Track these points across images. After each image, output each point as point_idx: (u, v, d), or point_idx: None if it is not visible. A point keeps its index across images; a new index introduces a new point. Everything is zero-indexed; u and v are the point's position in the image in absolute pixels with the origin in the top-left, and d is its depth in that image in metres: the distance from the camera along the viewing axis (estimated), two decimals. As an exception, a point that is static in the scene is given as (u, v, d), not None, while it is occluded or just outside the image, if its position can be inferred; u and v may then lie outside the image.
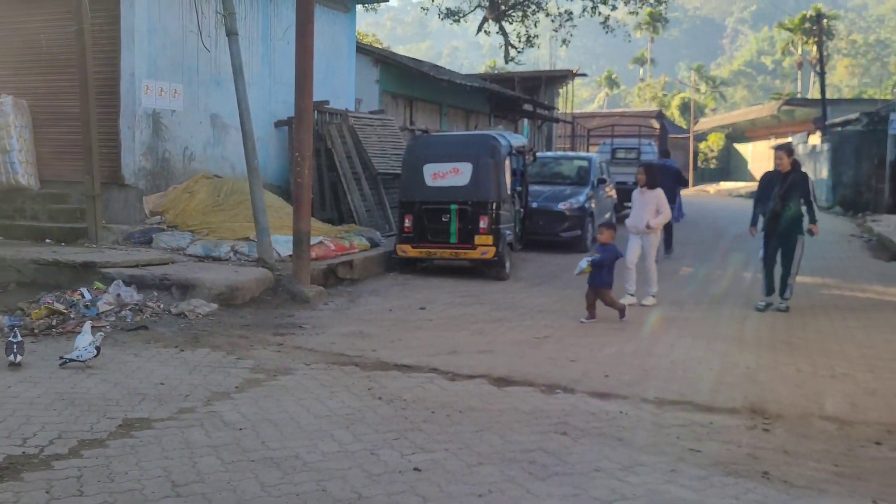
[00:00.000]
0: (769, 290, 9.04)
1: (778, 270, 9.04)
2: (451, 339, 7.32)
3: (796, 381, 6.11)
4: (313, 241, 9.75)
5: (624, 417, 5.17)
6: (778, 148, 9.44)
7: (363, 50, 18.19)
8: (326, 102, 13.67)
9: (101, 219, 10.54)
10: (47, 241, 10.68)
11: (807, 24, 58.20)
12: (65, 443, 4.38)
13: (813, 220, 8.94)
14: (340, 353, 6.76)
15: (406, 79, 19.56)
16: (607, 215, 16.39)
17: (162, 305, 8.07)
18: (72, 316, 7.53)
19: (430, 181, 10.98)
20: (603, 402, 5.51)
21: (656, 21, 52.27)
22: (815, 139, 31.71)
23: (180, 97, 11.74)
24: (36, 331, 7.12)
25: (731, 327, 8.10)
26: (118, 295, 8.06)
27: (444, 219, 10.82)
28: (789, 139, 37.55)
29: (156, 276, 8.54)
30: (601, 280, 8.27)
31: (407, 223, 11.06)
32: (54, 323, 7.34)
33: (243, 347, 6.83)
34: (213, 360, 6.38)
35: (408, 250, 11.09)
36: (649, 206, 9.31)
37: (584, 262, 8.28)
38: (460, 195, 10.75)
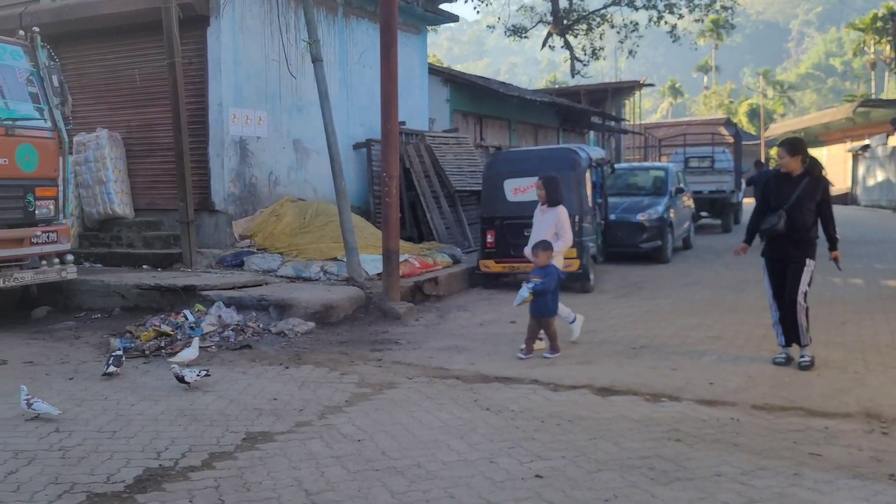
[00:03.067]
0: (787, 340, 6.76)
1: None
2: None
3: (909, 384, 5.97)
4: (400, 258, 9.91)
5: (736, 424, 5.14)
6: (781, 144, 6.86)
7: (434, 70, 18.45)
8: (403, 123, 13.92)
9: (195, 244, 10.90)
10: (144, 266, 11.12)
11: (878, 24, 56.62)
12: (197, 456, 4.58)
13: (834, 245, 6.75)
14: (440, 366, 6.87)
15: (475, 97, 19.76)
16: (685, 224, 16.24)
17: (261, 325, 8.32)
18: (178, 337, 7.81)
19: (511, 196, 11.07)
20: (712, 409, 5.48)
21: (720, 28, 51.42)
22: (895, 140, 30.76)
23: (265, 124, 12.11)
24: (147, 352, 7.42)
25: (832, 332, 7.93)
26: (219, 316, 8.35)
27: (526, 233, 10.76)
28: (867, 141, 36.54)
29: (253, 297, 8.80)
30: (546, 308, 7.20)
31: (489, 238, 11.17)
32: (163, 344, 7.64)
33: (345, 364, 6.99)
34: (318, 376, 6.56)
35: (491, 265, 11.19)
36: (549, 228, 7.63)
37: (524, 291, 7.12)
38: (542, 209, 10.77)
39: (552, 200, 7.75)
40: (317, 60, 9.98)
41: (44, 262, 8.85)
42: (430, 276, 10.76)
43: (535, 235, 7.75)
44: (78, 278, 9.41)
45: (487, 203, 11.49)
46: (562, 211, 7.70)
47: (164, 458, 4.53)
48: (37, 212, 8.70)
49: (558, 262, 7.54)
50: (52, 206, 8.90)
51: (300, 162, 12.87)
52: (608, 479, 4.19)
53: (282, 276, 10.28)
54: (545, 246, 7.36)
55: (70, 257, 9.11)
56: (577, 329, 7.77)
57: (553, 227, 7.60)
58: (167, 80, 10.76)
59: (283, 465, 4.41)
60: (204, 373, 6.16)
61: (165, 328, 7.97)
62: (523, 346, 7.24)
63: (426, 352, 7.48)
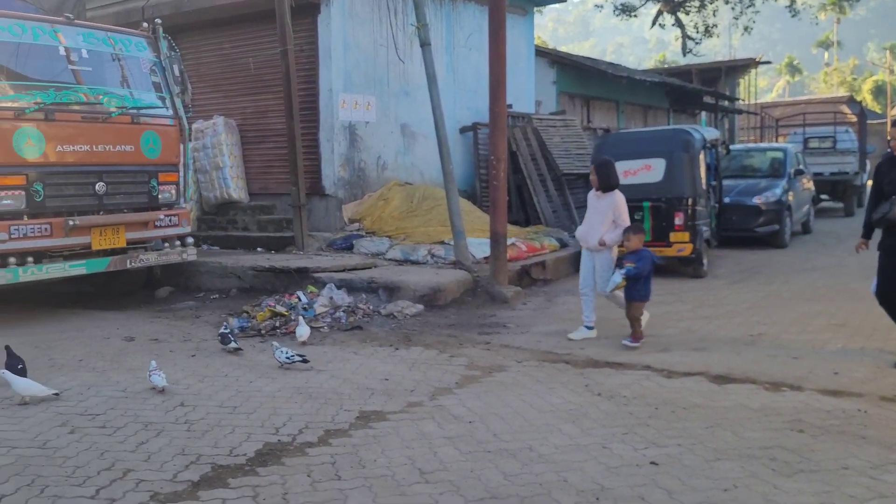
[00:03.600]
0: None
1: None
2: (660, 337, 7.19)
3: None
4: (507, 242, 9.87)
5: (864, 415, 4.89)
6: (895, 123, 6.29)
7: (540, 52, 18.23)
8: (510, 106, 13.80)
9: (307, 227, 11.18)
10: (258, 249, 11.49)
11: None
12: (313, 432, 4.70)
13: None
14: (549, 350, 6.82)
15: (582, 78, 19.42)
16: (805, 208, 15.55)
17: (371, 307, 8.46)
18: (292, 318, 8.03)
19: (620, 179, 10.79)
20: (837, 399, 5.23)
21: (843, 0, 48.73)
22: None
23: (373, 109, 12.28)
24: (262, 332, 7.67)
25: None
26: (331, 297, 8.54)
27: (636, 216, 10.62)
28: None
29: (363, 279, 8.96)
30: (638, 293, 6.94)
31: (597, 222, 10.96)
32: (277, 324, 7.88)
33: (453, 346, 7.03)
34: (427, 357, 6.62)
35: (599, 249, 10.99)
36: (605, 215, 7.26)
37: (617, 277, 6.92)
38: (653, 192, 10.54)
39: (605, 185, 7.34)
40: (425, 45, 10.02)
41: (166, 245, 9.26)
42: (538, 260, 10.69)
43: (588, 222, 7.44)
44: (197, 260, 9.81)
45: (596, 186, 11.28)
46: (618, 196, 7.30)
47: (282, 434, 4.67)
48: (160, 196, 9.10)
49: (614, 252, 7.35)
50: (173, 191, 9.29)
51: (407, 146, 12.99)
52: (727, 469, 4.06)
53: (390, 259, 10.41)
54: (636, 229, 7.14)
55: (190, 240, 9.50)
56: (579, 335, 7.26)
57: (610, 214, 7.22)
58: (280, 68, 11.05)
59: (396, 444, 4.47)
60: (298, 358, 6.19)
61: (280, 309, 8.21)
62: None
63: (534, 336, 7.43)
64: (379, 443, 4.50)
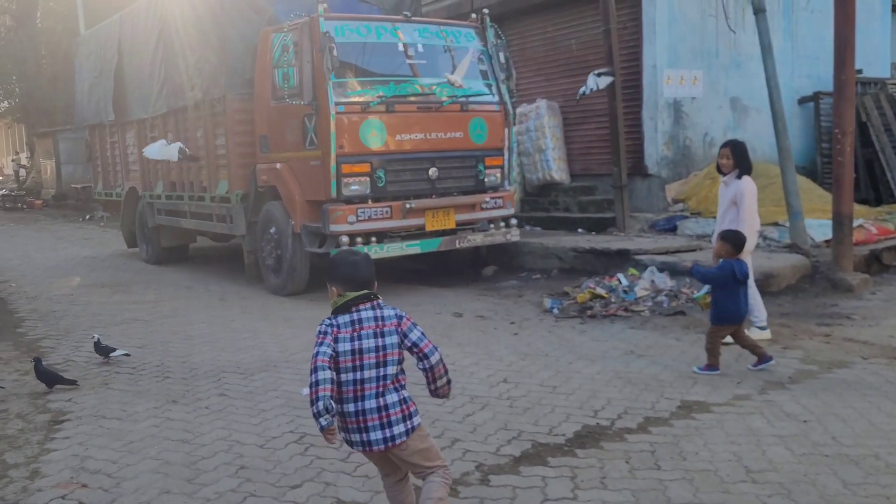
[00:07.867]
0: None
1: None
2: None
3: None
4: (853, 223, 8.88)
5: None
6: None
7: (897, 8, 16.08)
8: (859, 71, 12.34)
9: (628, 208, 11.00)
10: (579, 230, 11.53)
11: None
12: (632, 418, 4.61)
13: None
14: (902, 347, 6.02)
15: (952, 34, 16.78)
16: None
17: (695, 292, 8.09)
18: (612, 300, 7.97)
19: None
20: None
21: None
22: None
23: (700, 84, 11.71)
24: (587, 313, 7.69)
25: None
26: (652, 281, 8.32)
27: None
28: None
29: (687, 262, 8.59)
30: (724, 313, 5.53)
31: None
32: (598, 306, 7.86)
33: (787, 337, 6.48)
34: (756, 347, 6.18)
35: (972, 232, 9.47)
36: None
37: (704, 289, 5.76)
38: None
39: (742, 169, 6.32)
40: (759, 11, 9.27)
41: (491, 226, 9.65)
42: (891, 244, 9.47)
43: (720, 216, 6.41)
44: (520, 241, 10.10)
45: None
46: (747, 183, 6.18)
47: (600, 417, 4.64)
48: (486, 180, 9.49)
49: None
50: (498, 175, 9.64)
51: (738, 121, 12.20)
52: None
53: (716, 242, 9.87)
54: (723, 235, 5.82)
55: (514, 221, 9.79)
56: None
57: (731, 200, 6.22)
58: (602, 47, 10.95)
59: (719, 438, 4.23)
60: None
61: (600, 290, 8.18)
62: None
63: (885, 329, 6.60)
64: (701, 435, 4.29)
